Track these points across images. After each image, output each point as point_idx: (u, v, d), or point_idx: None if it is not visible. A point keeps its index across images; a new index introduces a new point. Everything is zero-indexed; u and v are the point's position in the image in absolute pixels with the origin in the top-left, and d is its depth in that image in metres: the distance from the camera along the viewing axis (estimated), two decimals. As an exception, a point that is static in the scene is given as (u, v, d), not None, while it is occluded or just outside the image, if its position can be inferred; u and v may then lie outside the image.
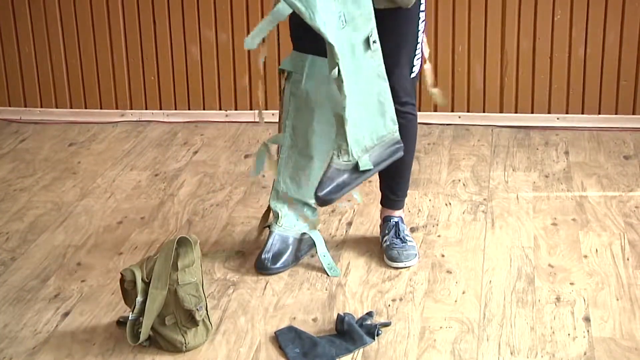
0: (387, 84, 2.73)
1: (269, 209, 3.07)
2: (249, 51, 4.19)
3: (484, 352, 2.54)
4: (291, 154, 3.00)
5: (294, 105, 2.95)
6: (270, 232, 3.02)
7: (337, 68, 2.59)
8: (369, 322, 2.66)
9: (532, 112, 4.14)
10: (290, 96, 2.95)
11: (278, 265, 2.97)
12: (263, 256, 2.98)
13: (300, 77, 2.91)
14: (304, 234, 3.03)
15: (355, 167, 2.76)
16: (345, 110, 2.64)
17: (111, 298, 2.85)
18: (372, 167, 2.78)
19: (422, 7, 2.83)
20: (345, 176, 2.75)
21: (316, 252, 3.01)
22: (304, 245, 3.04)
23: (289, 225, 3.02)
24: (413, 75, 2.89)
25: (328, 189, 2.71)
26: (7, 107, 4.49)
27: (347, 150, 2.69)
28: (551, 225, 3.23)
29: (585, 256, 3.02)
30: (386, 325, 2.66)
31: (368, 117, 2.72)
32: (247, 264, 3.03)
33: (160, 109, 4.38)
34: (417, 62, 2.87)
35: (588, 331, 2.62)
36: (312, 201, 3.01)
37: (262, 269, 2.97)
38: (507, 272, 2.94)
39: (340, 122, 2.68)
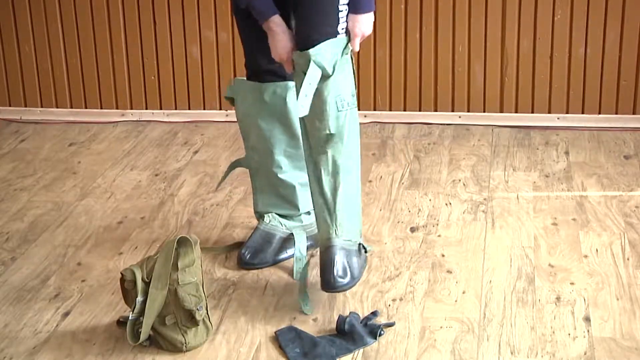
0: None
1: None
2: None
3: (484, 352, 2.54)
4: (260, 176, 3.00)
5: (243, 128, 2.98)
6: (255, 228, 3.03)
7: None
8: (372, 321, 2.66)
9: (532, 112, 4.15)
10: (238, 121, 2.98)
11: (256, 261, 2.96)
12: (242, 251, 2.98)
13: (235, 100, 2.95)
14: (292, 233, 3.01)
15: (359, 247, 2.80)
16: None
17: (111, 298, 2.85)
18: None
19: None
20: (355, 258, 2.74)
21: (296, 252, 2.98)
22: (290, 245, 3.01)
23: (275, 224, 3.02)
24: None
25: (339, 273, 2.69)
26: (7, 107, 4.49)
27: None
28: (551, 225, 3.23)
29: (586, 256, 3.02)
30: (390, 325, 2.66)
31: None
32: (247, 264, 3.04)
33: (161, 108, 4.38)
34: (342, 30, 2.72)
35: (588, 331, 2.62)
36: (294, 212, 3.02)
37: (239, 262, 2.97)
38: (507, 272, 2.94)
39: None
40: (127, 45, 4.33)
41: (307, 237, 3.02)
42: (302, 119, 2.76)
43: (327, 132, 2.70)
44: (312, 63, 2.63)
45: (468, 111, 4.19)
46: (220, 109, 4.33)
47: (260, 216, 3.05)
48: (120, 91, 4.39)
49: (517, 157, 3.83)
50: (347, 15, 2.69)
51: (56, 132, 4.31)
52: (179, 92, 4.35)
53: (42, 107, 4.46)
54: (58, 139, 4.22)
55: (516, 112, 4.15)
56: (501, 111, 4.16)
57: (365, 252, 2.83)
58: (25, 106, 4.48)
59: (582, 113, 4.11)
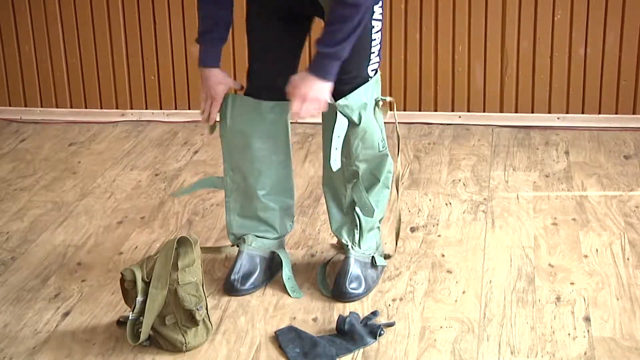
0: None
1: None
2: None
3: (484, 352, 2.54)
4: (237, 197, 2.90)
5: (226, 146, 2.86)
6: (239, 252, 2.90)
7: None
8: (373, 321, 2.66)
9: (532, 112, 4.15)
10: (221, 138, 2.87)
11: (247, 286, 2.86)
12: (232, 277, 2.86)
13: (224, 117, 2.84)
14: (274, 252, 2.94)
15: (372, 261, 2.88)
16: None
17: (111, 298, 2.85)
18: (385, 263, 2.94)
19: (376, 16, 2.68)
20: (369, 271, 2.88)
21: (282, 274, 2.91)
22: (274, 264, 2.94)
23: (258, 245, 2.92)
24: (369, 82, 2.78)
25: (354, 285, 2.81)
26: (7, 107, 4.49)
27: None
28: (551, 225, 3.23)
29: (586, 256, 3.02)
30: (390, 325, 2.66)
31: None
32: (247, 264, 3.03)
33: (160, 108, 4.38)
34: (372, 72, 2.75)
35: (588, 331, 2.62)
36: (271, 234, 2.94)
37: (230, 290, 2.85)
38: (507, 271, 2.94)
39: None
40: (127, 45, 4.33)
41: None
42: (326, 146, 2.80)
43: (355, 168, 2.79)
44: (339, 114, 2.68)
45: (468, 111, 4.19)
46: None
47: (236, 238, 2.94)
48: (120, 91, 4.39)
49: (517, 157, 3.83)
50: (378, 55, 2.72)
51: (56, 132, 4.31)
52: (179, 92, 4.35)
53: (42, 107, 4.46)
54: (58, 139, 4.22)
55: (516, 112, 4.15)
56: (501, 111, 4.16)
57: (375, 265, 2.88)
58: (25, 106, 4.48)
59: (582, 113, 4.11)
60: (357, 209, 2.83)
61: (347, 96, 2.69)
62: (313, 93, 2.59)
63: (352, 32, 2.54)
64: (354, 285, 2.79)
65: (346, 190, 2.83)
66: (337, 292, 2.80)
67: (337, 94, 2.68)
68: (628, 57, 4.03)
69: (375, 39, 2.70)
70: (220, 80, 2.80)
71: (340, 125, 2.69)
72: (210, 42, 2.78)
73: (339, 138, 2.70)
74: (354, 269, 2.81)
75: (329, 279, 2.89)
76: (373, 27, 2.69)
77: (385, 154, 2.81)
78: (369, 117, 2.73)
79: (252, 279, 2.87)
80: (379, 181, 2.83)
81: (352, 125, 2.71)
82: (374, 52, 2.72)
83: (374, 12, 2.66)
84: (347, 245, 2.85)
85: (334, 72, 2.59)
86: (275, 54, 2.80)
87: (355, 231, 2.85)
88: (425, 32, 4.10)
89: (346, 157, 2.77)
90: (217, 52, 2.80)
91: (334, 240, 3.13)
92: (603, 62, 4.05)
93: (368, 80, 2.72)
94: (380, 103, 2.77)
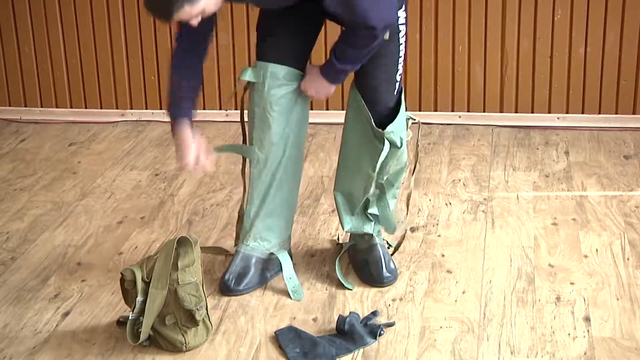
0: None
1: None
2: (249, 51, 4.19)
3: (484, 352, 2.54)
4: (260, 172, 2.85)
5: (258, 116, 2.79)
6: (236, 252, 2.89)
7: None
8: (373, 321, 2.66)
9: (532, 112, 4.15)
10: (254, 107, 2.79)
11: (241, 286, 2.84)
12: (226, 277, 2.85)
13: (262, 87, 2.75)
14: (272, 253, 2.91)
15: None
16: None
17: (111, 298, 2.86)
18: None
19: (402, 20, 2.68)
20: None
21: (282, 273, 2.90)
22: (272, 265, 2.91)
23: (255, 244, 2.89)
24: (396, 90, 2.79)
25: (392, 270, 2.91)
26: (7, 107, 4.49)
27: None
28: (551, 225, 3.23)
29: (586, 256, 3.02)
30: (390, 325, 2.66)
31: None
32: (247, 264, 3.03)
33: (160, 108, 4.38)
34: (399, 77, 2.76)
35: (588, 331, 2.62)
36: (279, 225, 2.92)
37: (225, 290, 2.84)
38: (507, 271, 2.94)
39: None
40: (127, 45, 4.33)
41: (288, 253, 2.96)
42: (347, 156, 2.88)
43: (381, 182, 2.85)
44: (386, 141, 2.74)
45: (468, 111, 4.19)
46: (220, 108, 4.33)
47: (246, 231, 2.89)
48: (120, 91, 4.39)
49: (517, 157, 3.83)
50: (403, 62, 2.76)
51: (56, 132, 4.31)
52: (179, 92, 4.35)
53: (42, 107, 4.46)
54: (58, 139, 4.22)
55: (516, 112, 4.15)
56: (501, 111, 4.16)
57: (389, 246, 3.01)
58: (25, 106, 4.48)
59: (582, 113, 4.11)
60: (369, 210, 2.90)
61: (393, 122, 2.74)
62: (320, 94, 2.76)
63: (368, 54, 2.62)
64: (390, 268, 2.88)
65: (363, 197, 2.86)
66: (377, 279, 2.87)
67: (368, 101, 2.74)
68: (628, 57, 4.03)
69: (402, 43, 2.72)
70: (190, 155, 2.74)
71: (385, 153, 2.76)
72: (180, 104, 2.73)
73: (379, 164, 2.77)
74: (383, 254, 2.90)
75: (343, 271, 2.94)
76: (400, 31, 2.69)
77: (405, 166, 2.88)
78: (405, 138, 2.81)
79: (246, 279, 2.85)
80: (393, 186, 2.89)
81: (393, 147, 2.77)
82: (401, 57, 2.74)
83: (399, 17, 2.67)
84: (371, 234, 2.93)
85: (344, 79, 2.73)
86: (292, 41, 2.75)
87: (372, 223, 2.94)
88: (425, 32, 4.10)
89: (377, 173, 2.82)
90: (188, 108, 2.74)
91: (334, 237, 3.14)
92: (603, 62, 4.05)
93: (395, 86, 2.75)
94: (410, 122, 2.84)
